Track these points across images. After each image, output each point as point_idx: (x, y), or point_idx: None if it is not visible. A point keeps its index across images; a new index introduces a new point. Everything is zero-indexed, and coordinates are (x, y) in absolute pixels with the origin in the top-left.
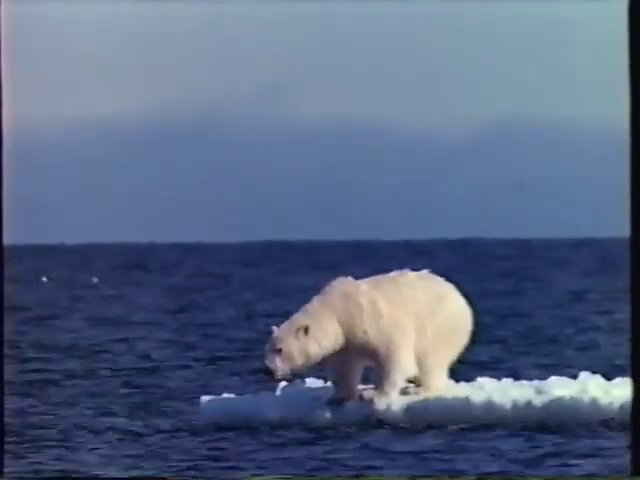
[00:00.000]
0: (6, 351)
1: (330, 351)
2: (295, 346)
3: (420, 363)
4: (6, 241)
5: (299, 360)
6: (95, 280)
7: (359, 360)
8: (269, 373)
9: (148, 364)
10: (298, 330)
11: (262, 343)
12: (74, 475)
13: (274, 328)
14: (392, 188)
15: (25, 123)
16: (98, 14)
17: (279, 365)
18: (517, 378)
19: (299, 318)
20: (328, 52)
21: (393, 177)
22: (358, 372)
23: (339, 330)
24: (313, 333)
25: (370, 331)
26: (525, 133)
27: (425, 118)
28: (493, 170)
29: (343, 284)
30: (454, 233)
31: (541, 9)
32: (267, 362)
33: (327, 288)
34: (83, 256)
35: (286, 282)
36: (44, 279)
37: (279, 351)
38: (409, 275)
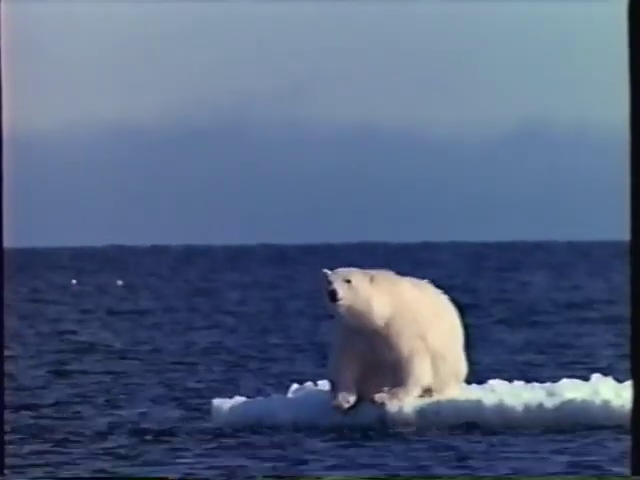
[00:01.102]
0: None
1: (379, 319)
2: (362, 286)
3: (437, 375)
4: (22, 244)
5: (360, 302)
6: (120, 283)
7: (373, 358)
8: (334, 298)
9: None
10: (368, 275)
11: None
12: (74, 475)
13: (327, 271)
14: (415, 188)
15: (46, 126)
16: (116, 13)
17: (346, 293)
18: (528, 380)
19: (365, 270)
20: (352, 53)
21: (416, 177)
22: (357, 375)
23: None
24: (377, 286)
25: (402, 329)
26: (550, 135)
27: (450, 119)
28: (522, 171)
29: (389, 273)
30: (475, 236)
31: (569, 10)
32: (335, 286)
33: (371, 272)
34: (104, 258)
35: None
36: (73, 282)
37: (348, 282)
38: (432, 287)
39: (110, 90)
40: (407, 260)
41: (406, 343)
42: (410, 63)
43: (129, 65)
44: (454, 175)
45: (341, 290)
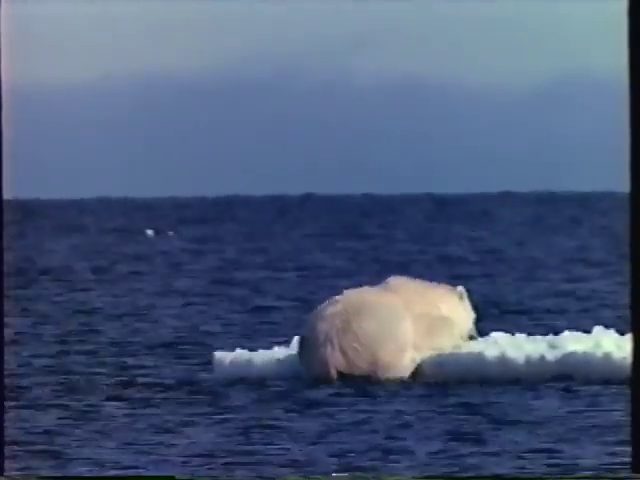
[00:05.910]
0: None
1: None
2: None
3: None
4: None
5: None
6: (171, 234)
7: None
8: None
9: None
10: None
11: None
12: (75, 475)
13: None
14: (458, 140)
15: (90, 76)
16: None
17: None
18: (531, 333)
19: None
20: (394, 8)
21: (460, 125)
22: None
23: None
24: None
25: None
26: (585, 88)
27: (494, 71)
28: (553, 124)
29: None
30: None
31: None
32: None
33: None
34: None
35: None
36: (149, 232)
37: None
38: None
39: (166, 40)
40: (467, 211)
41: None
42: (457, 20)
43: (185, 17)
44: (501, 124)
45: None
